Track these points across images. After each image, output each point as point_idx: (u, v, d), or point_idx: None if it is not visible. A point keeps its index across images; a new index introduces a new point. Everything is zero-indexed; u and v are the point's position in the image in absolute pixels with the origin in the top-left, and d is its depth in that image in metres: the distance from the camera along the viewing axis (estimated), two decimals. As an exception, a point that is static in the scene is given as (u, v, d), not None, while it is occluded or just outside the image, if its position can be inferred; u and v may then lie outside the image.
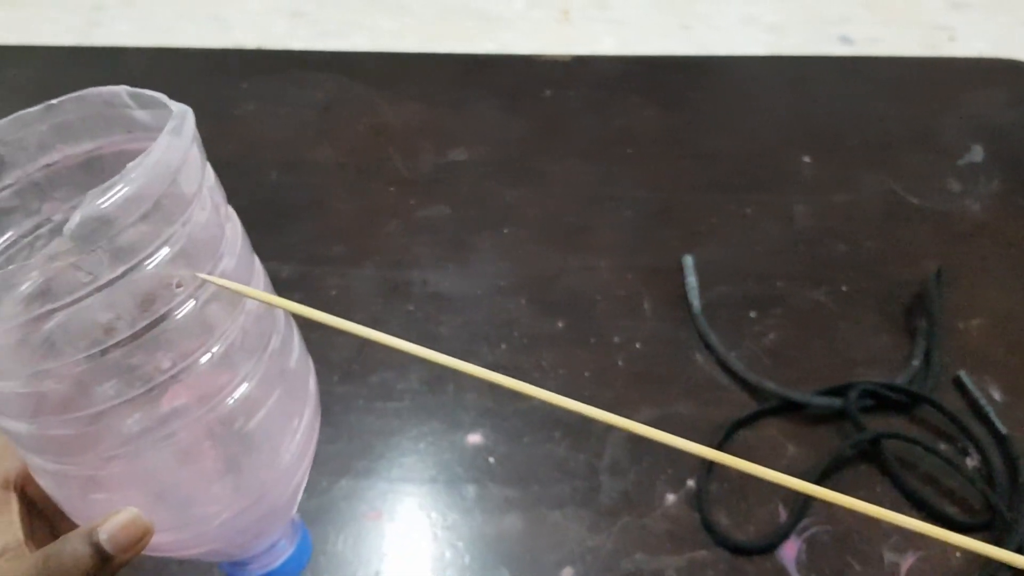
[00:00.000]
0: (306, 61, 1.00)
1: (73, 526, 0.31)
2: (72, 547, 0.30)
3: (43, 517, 0.34)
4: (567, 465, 0.64)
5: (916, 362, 0.68)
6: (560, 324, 0.72)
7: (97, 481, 0.30)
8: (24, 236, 0.33)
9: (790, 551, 0.59)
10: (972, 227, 0.79)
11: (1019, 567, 0.25)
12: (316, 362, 0.37)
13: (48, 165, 0.32)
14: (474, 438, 0.65)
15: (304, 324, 0.35)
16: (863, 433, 0.63)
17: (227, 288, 0.29)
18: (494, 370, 0.27)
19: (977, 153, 0.86)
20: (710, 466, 0.63)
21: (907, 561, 0.58)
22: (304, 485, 0.37)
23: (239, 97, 0.93)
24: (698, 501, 0.61)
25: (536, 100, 0.93)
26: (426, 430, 0.66)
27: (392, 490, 0.63)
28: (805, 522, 0.60)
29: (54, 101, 0.31)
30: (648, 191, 0.83)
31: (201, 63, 1.00)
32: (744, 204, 0.82)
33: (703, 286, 0.74)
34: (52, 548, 0.30)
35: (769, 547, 0.59)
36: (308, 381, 0.36)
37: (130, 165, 0.26)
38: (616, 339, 0.71)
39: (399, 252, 0.78)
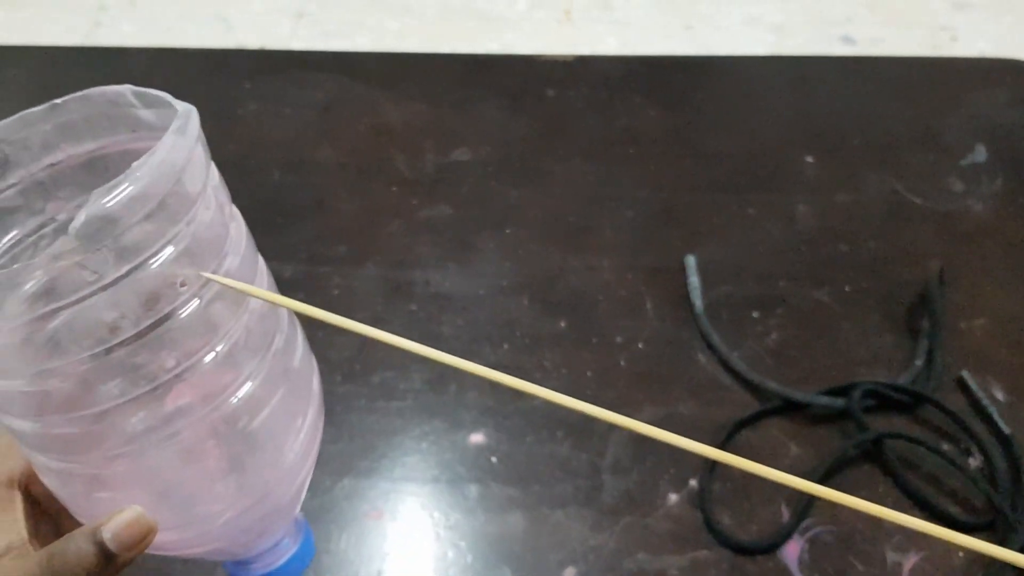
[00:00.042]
0: (308, 61, 1.00)
1: (77, 524, 0.31)
2: (76, 545, 0.30)
3: (47, 515, 0.34)
4: (569, 465, 0.64)
5: (919, 362, 0.68)
6: (562, 324, 0.72)
7: (101, 480, 0.30)
8: (28, 235, 0.33)
9: (792, 551, 0.59)
10: (975, 227, 0.79)
11: (1023, 567, 0.25)
12: (318, 362, 0.38)
13: (52, 164, 0.32)
14: (476, 438, 0.65)
15: (307, 323, 0.35)
16: (866, 433, 0.63)
17: (231, 287, 0.29)
18: (496, 370, 0.28)
19: (980, 153, 0.86)
20: (712, 466, 0.63)
21: (910, 561, 0.58)
22: (308, 484, 0.37)
23: (242, 97, 0.94)
24: (700, 501, 0.61)
25: (538, 100, 0.93)
26: (428, 429, 0.66)
27: (394, 489, 0.63)
28: (807, 522, 0.60)
29: (58, 100, 0.31)
30: (650, 191, 0.83)
31: (204, 63, 1.00)
32: (746, 204, 0.82)
33: (705, 286, 0.74)
34: (56, 546, 0.30)
35: (772, 547, 0.59)
36: (312, 380, 0.36)
37: (135, 164, 0.26)
38: (618, 339, 0.71)
39: (401, 252, 0.79)
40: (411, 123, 0.91)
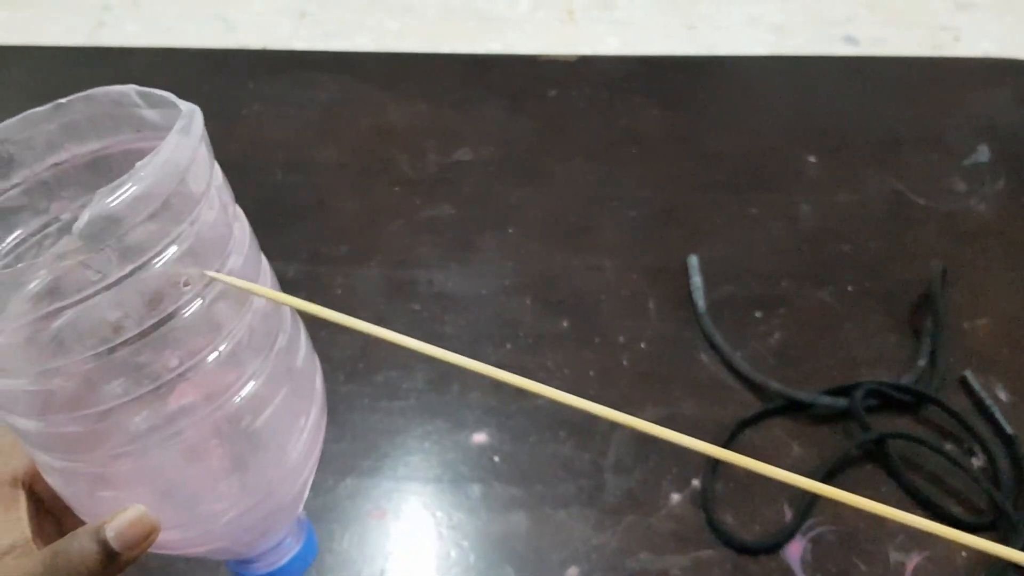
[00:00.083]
0: (310, 61, 1.00)
1: (80, 523, 0.31)
2: (79, 544, 0.30)
3: (51, 515, 0.34)
4: (572, 464, 0.64)
5: (922, 362, 0.68)
6: (565, 324, 0.72)
7: (105, 479, 0.30)
8: (32, 235, 0.33)
9: (795, 551, 0.59)
10: (978, 227, 0.79)
11: None
12: (321, 361, 0.38)
13: (56, 164, 0.32)
14: (479, 437, 0.65)
15: (310, 323, 0.35)
16: (868, 433, 0.63)
17: (235, 285, 0.29)
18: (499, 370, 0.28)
19: (983, 153, 0.86)
20: (715, 465, 0.63)
21: (912, 561, 0.58)
22: (310, 483, 0.37)
23: (244, 97, 0.94)
24: (703, 500, 0.61)
25: (540, 100, 0.93)
26: (431, 429, 0.66)
27: (397, 489, 0.63)
28: (810, 522, 0.60)
29: (63, 100, 0.31)
30: (653, 191, 0.83)
31: (206, 64, 1.00)
32: (749, 204, 0.82)
33: (708, 286, 0.74)
34: (59, 545, 0.30)
35: (774, 547, 0.59)
36: (315, 380, 0.36)
37: (139, 164, 0.26)
38: (621, 339, 0.71)
39: (404, 252, 0.79)
40: (413, 123, 0.91)
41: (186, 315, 0.28)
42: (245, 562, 0.38)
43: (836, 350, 0.70)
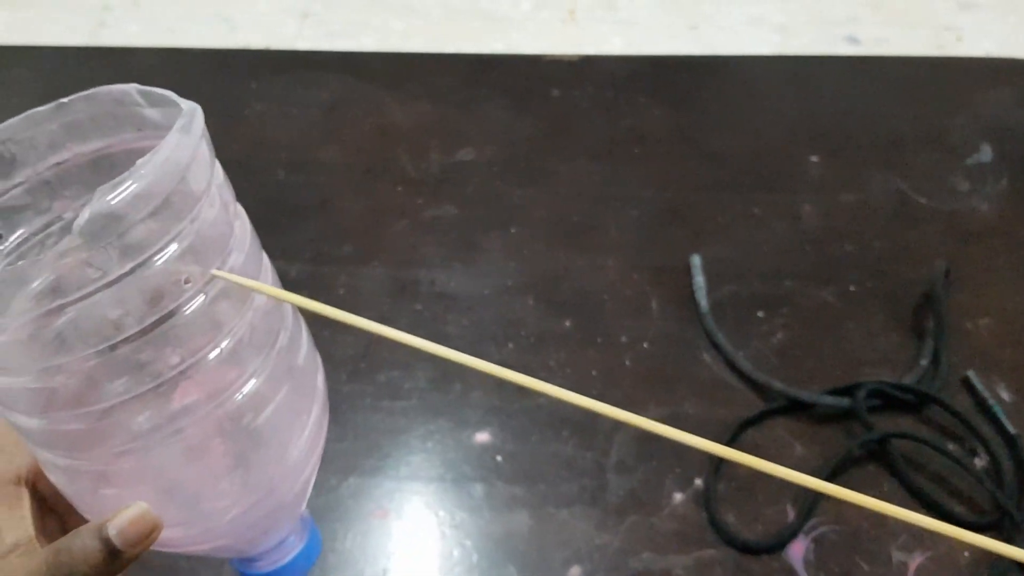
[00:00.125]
0: (313, 61, 1.00)
1: (83, 521, 0.31)
2: (82, 542, 0.30)
3: (54, 512, 0.34)
4: (575, 463, 0.64)
5: (924, 362, 0.68)
6: (567, 323, 0.72)
7: (107, 477, 0.31)
8: (35, 234, 0.33)
9: (798, 550, 0.59)
10: (980, 227, 0.79)
11: None
12: (323, 361, 0.38)
13: (59, 163, 0.32)
14: (481, 436, 0.65)
15: (312, 322, 0.35)
16: (871, 433, 0.63)
17: (236, 283, 0.29)
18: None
19: (985, 153, 0.86)
20: (718, 465, 0.63)
21: (915, 560, 0.58)
22: (313, 481, 0.37)
23: (247, 97, 0.94)
24: (706, 500, 0.61)
25: (543, 100, 0.93)
26: (433, 428, 0.66)
27: (399, 488, 0.63)
28: (813, 521, 0.60)
29: (65, 100, 0.31)
30: (656, 191, 0.83)
31: (209, 63, 1.00)
32: (752, 204, 0.81)
33: (711, 286, 0.74)
34: (62, 543, 0.30)
35: (777, 546, 0.59)
36: (316, 378, 0.36)
37: (140, 162, 0.26)
38: (624, 338, 0.71)
39: (407, 252, 0.79)
40: (416, 123, 0.91)
41: (187, 313, 0.28)
42: (248, 560, 0.38)
43: (839, 350, 0.70)
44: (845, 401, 0.65)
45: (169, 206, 0.27)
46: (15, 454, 0.33)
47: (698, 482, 0.62)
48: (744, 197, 0.82)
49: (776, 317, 0.72)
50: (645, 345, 0.71)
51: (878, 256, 0.77)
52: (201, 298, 0.29)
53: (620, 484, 0.62)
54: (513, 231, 0.80)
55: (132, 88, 0.31)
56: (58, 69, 0.99)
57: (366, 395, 0.68)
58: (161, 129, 0.30)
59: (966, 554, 0.58)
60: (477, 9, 1.13)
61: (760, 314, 0.73)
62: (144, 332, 0.28)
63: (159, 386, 0.29)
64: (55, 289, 0.26)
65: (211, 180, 0.29)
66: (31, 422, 0.29)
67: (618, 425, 0.64)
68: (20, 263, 0.25)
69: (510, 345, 0.71)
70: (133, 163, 0.26)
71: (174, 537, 0.32)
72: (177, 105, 0.30)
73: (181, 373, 0.29)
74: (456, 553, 0.60)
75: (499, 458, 0.64)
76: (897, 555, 0.58)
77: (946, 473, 0.62)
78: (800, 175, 0.84)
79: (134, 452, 0.30)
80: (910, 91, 0.93)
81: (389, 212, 0.82)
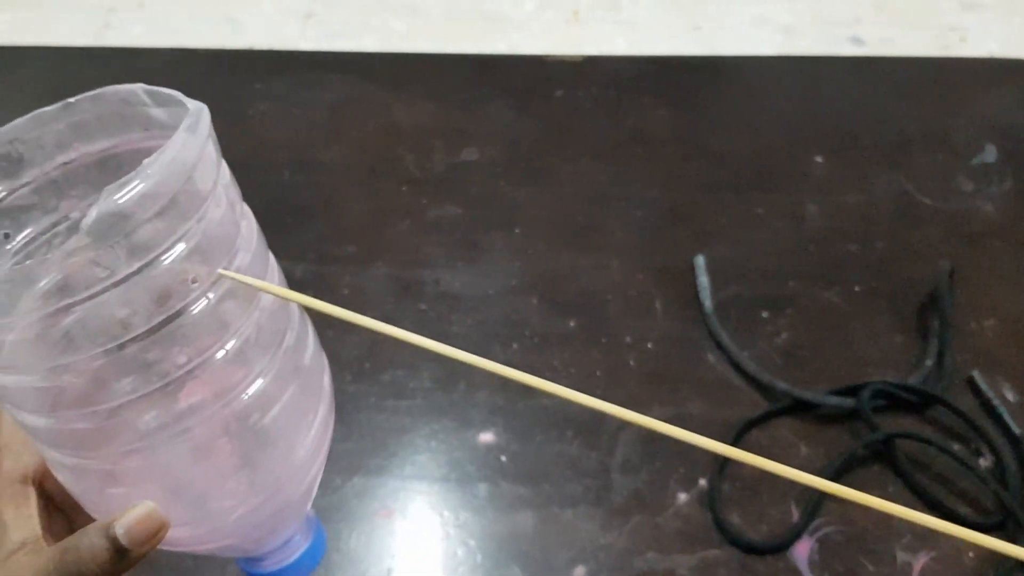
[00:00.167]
0: (317, 62, 1.00)
1: (90, 520, 0.32)
2: (89, 541, 0.30)
3: (61, 511, 0.35)
4: (579, 463, 0.64)
5: (929, 362, 0.68)
6: (572, 324, 0.72)
7: (114, 475, 0.31)
8: (42, 233, 0.33)
9: (802, 551, 0.59)
10: (985, 227, 0.79)
11: None
12: (328, 360, 0.38)
13: (66, 163, 0.33)
14: (486, 436, 0.65)
15: (317, 322, 0.35)
16: (876, 433, 0.63)
17: (242, 282, 0.29)
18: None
19: (990, 153, 0.85)
20: (722, 465, 0.63)
21: (920, 561, 0.58)
22: (318, 481, 0.37)
23: (251, 98, 0.94)
24: (710, 500, 0.61)
25: (547, 100, 0.93)
26: (438, 428, 0.66)
27: (404, 488, 0.63)
28: (817, 522, 0.60)
29: (71, 99, 0.31)
30: (659, 191, 0.83)
31: (213, 64, 1.01)
32: (756, 204, 0.81)
33: (715, 286, 0.74)
34: (69, 542, 0.30)
35: (781, 546, 0.59)
36: (322, 378, 0.36)
37: (146, 161, 0.26)
38: (628, 339, 0.71)
39: (411, 252, 0.79)
40: (420, 123, 0.91)
41: (194, 312, 0.28)
42: (254, 559, 0.38)
43: (843, 350, 0.70)
44: (849, 401, 0.65)
45: (176, 206, 0.27)
46: (22, 453, 0.33)
47: (702, 482, 0.62)
48: (748, 197, 0.82)
49: (780, 317, 0.72)
50: (649, 345, 0.71)
51: (882, 256, 0.77)
52: (208, 298, 0.29)
53: (624, 484, 0.62)
54: (517, 231, 0.80)
55: (139, 88, 0.31)
56: (64, 69, 0.99)
57: (371, 395, 0.68)
58: (168, 129, 0.30)
59: (971, 554, 0.58)
60: (480, 10, 1.13)
61: (764, 314, 0.73)
62: (151, 331, 0.28)
63: (166, 385, 0.29)
64: (63, 288, 0.26)
65: (217, 180, 0.29)
66: (39, 421, 0.29)
67: (622, 425, 0.64)
68: (28, 262, 0.25)
69: (514, 345, 0.71)
70: (140, 163, 0.26)
71: (181, 536, 0.32)
72: (184, 105, 0.30)
73: (188, 372, 0.29)
74: (460, 553, 0.60)
75: (503, 458, 0.64)
76: (902, 555, 0.58)
77: (950, 473, 0.62)
78: (804, 175, 0.84)
79: (141, 451, 0.30)
80: (914, 91, 0.93)
81: (393, 212, 0.82)
